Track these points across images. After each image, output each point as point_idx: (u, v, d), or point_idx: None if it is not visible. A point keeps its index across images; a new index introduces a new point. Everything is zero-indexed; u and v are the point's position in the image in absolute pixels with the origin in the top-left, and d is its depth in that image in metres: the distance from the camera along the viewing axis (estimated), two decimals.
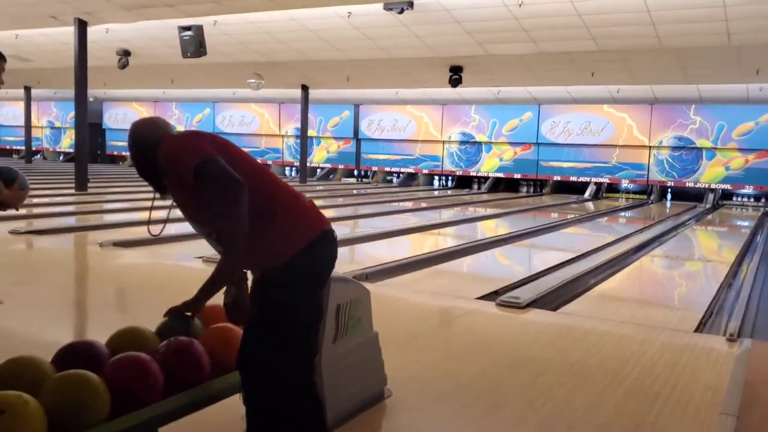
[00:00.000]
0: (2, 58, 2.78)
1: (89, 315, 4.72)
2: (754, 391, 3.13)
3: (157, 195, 2.23)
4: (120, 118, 25.22)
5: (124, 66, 15.36)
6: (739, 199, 17.78)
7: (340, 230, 9.10)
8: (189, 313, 2.32)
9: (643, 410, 2.89)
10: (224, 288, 2.16)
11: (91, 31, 12.68)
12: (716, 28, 10.19)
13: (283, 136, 22.85)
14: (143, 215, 10.03)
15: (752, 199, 17.57)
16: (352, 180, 22.65)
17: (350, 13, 11.16)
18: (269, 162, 22.48)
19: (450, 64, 14.31)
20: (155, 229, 2.31)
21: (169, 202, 2.23)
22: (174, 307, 2.33)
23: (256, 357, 2.07)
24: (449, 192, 19.43)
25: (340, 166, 22.58)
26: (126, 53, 15.13)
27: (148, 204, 2.31)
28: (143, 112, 24.24)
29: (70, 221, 9.14)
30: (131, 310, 4.68)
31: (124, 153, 25.19)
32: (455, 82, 14.63)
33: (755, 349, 3.86)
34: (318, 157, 22.79)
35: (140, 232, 8.67)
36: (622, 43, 11.47)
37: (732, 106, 16.82)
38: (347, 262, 6.55)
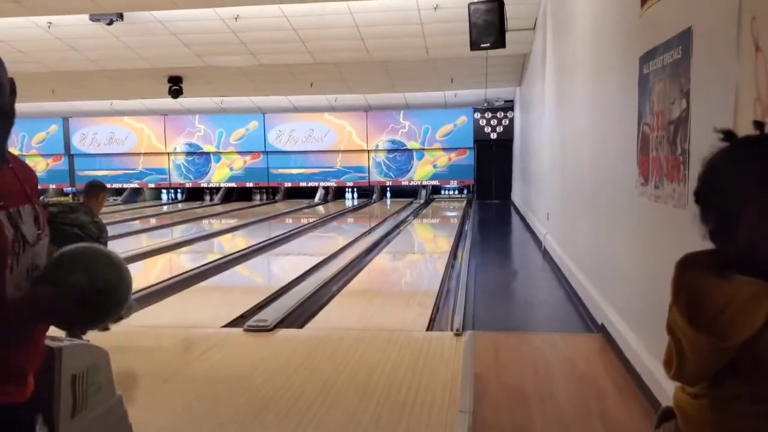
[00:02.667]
0: (104, 189, 3.69)
1: None
2: (483, 383, 3.55)
3: None
4: None
5: None
6: (447, 192, 20.02)
7: None
8: None
9: (393, 420, 3.09)
10: None
11: None
12: (416, 43, 11.30)
13: None
14: None
15: (456, 192, 19.91)
16: (66, 200, 20.52)
17: (50, 23, 10.08)
18: None
19: (169, 75, 13.81)
20: None
21: None
22: None
23: None
24: (180, 206, 18.67)
25: (52, 186, 20.28)
26: None
27: None
28: None
29: None
30: None
31: None
32: (175, 93, 14.22)
33: (478, 340, 4.36)
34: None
35: None
36: (336, 56, 12.12)
37: (434, 111, 18.86)
38: None
